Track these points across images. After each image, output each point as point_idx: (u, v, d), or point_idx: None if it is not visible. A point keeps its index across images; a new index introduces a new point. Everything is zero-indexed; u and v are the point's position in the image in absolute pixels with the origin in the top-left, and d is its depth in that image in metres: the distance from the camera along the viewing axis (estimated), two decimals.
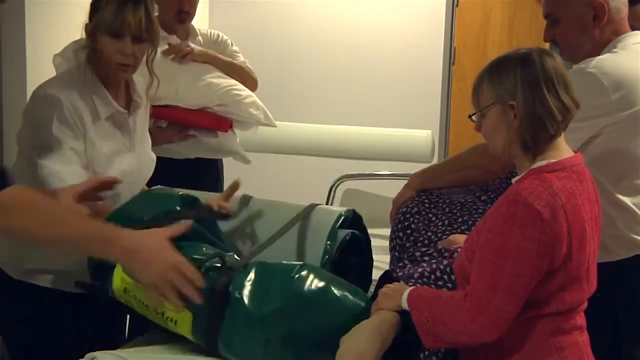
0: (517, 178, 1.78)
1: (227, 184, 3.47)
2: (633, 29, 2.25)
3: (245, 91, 3.21)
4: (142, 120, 2.42)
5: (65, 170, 2.09)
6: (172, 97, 3.03)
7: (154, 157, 2.48)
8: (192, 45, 3.19)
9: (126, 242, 1.65)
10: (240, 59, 3.44)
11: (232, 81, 3.20)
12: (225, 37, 3.48)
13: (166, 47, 3.13)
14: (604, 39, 2.20)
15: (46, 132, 2.11)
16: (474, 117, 1.83)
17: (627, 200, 2.15)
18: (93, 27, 2.21)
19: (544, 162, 1.74)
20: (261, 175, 3.92)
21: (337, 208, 2.39)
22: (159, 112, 3.04)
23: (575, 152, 1.83)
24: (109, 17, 2.17)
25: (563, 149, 1.78)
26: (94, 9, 2.21)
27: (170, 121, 3.08)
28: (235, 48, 3.47)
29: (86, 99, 2.19)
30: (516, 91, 1.72)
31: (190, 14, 3.26)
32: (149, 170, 2.44)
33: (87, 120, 2.19)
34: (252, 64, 3.42)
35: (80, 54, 2.25)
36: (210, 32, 3.47)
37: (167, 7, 3.20)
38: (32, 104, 2.22)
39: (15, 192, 1.59)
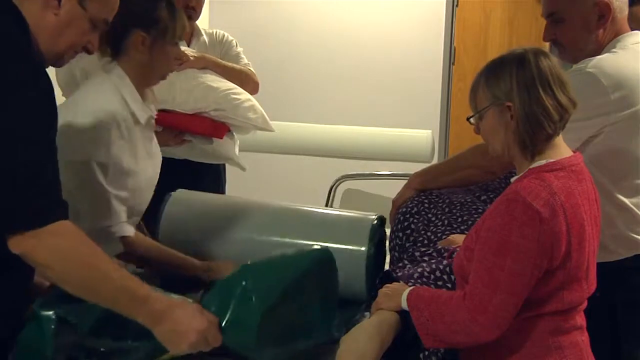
0: (516, 177, 1.79)
1: (229, 183, 3.49)
2: (631, 29, 2.25)
3: (243, 95, 3.19)
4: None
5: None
6: (169, 101, 3.00)
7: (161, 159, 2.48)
8: (188, 51, 3.17)
9: (159, 305, 1.57)
10: (244, 61, 3.42)
11: (231, 85, 3.18)
12: (230, 38, 3.46)
13: None
14: (606, 39, 2.21)
15: (107, 151, 2.11)
16: (472, 120, 1.83)
17: (626, 200, 2.16)
18: (155, 38, 2.20)
19: (542, 162, 1.75)
20: (262, 175, 3.93)
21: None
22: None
23: (574, 151, 1.83)
24: (179, 28, 2.25)
25: (562, 149, 1.78)
26: (149, 20, 2.18)
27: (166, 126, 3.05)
28: (239, 49, 3.45)
29: (124, 106, 2.19)
30: (512, 92, 1.73)
31: (197, 10, 3.25)
32: (149, 196, 2.41)
33: (130, 127, 2.19)
34: (252, 64, 3.42)
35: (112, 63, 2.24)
36: (215, 32, 3.45)
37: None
38: (86, 119, 2.11)
39: (65, 229, 1.48)
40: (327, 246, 2.04)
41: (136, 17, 2.15)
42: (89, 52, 1.74)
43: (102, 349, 1.62)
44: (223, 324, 1.62)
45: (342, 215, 2.56)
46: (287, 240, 2.30)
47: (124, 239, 2.19)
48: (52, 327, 1.55)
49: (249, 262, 1.69)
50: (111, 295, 1.53)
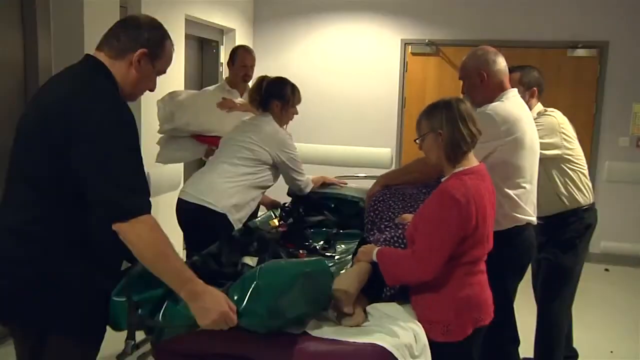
0: (444, 179, 1.78)
1: None
2: (511, 87, 2.26)
3: None
4: None
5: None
6: (221, 131, 3.00)
7: None
8: (237, 100, 3.17)
9: (197, 288, 1.40)
10: None
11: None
12: None
13: (221, 100, 3.12)
14: (493, 93, 2.20)
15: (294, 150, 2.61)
16: (417, 141, 1.83)
17: (510, 192, 2.15)
18: (283, 105, 2.63)
19: (461, 169, 1.75)
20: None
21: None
22: (212, 140, 3.02)
23: (480, 162, 1.83)
24: (296, 99, 2.68)
25: (472, 160, 1.78)
26: (284, 97, 2.63)
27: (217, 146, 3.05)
28: None
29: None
30: (442, 124, 1.73)
31: (250, 76, 3.28)
32: None
33: None
34: None
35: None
36: None
37: (237, 72, 3.24)
38: (277, 133, 2.58)
39: (149, 221, 1.38)
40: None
41: (273, 94, 2.62)
42: (152, 91, 1.62)
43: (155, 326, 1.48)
44: (241, 309, 1.42)
45: None
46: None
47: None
48: (125, 310, 1.45)
49: (262, 265, 1.51)
50: (167, 273, 1.39)
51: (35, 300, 1.41)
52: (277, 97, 2.63)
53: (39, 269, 1.40)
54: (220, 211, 2.44)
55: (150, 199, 1.43)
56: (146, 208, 1.39)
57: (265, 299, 1.41)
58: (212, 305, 1.39)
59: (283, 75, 2.68)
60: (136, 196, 1.38)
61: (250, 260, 1.94)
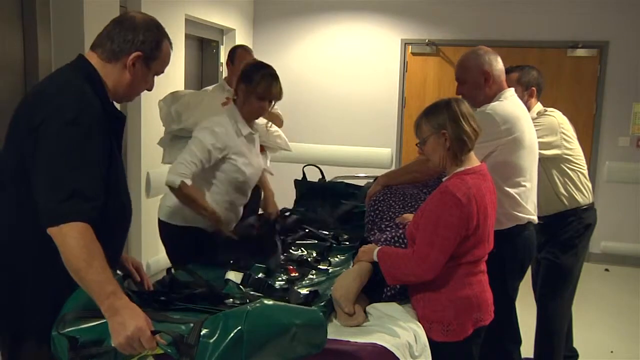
0: (446, 178, 1.78)
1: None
2: (507, 87, 2.26)
3: (274, 127, 3.19)
4: (257, 143, 2.45)
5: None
6: None
7: (262, 166, 2.50)
8: None
9: (118, 302, 1.27)
10: (275, 106, 3.42)
11: (265, 121, 3.18)
12: None
13: (224, 99, 3.11)
14: (492, 93, 2.21)
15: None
16: (418, 144, 1.82)
17: (511, 190, 2.15)
18: (247, 92, 2.22)
19: (462, 168, 1.74)
20: (283, 176, 3.91)
21: None
22: None
23: (481, 162, 1.83)
24: (262, 89, 2.20)
25: (473, 160, 1.78)
26: (248, 80, 2.22)
27: None
28: None
29: (234, 123, 2.27)
30: (446, 123, 1.72)
31: None
32: (258, 176, 2.43)
33: (237, 134, 2.26)
34: (280, 109, 3.41)
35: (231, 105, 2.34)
36: None
37: (236, 72, 3.20)
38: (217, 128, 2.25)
39: (79, 228, 1.29)
40: None
41: (242, 75, 2.25)
42: (149, 90, 1.56)
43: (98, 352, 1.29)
44: (215, 357, 1.21)
45: None
46: None
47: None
48: (66, 344, 1.29)
49: (249, 308, 1.28)
50: (88, 284, 1.28)
51: (8, 305, 1.39)
52: (244, 79, 2.23)
53: (12, 275, 1.39)
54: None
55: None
56: (79, 214, 1.29)
57: (244, 352, 1.22)
58: (129, 320, 1.25)
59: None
60: (71, 201, 1.29)
61: (234, 276, 1.81)
